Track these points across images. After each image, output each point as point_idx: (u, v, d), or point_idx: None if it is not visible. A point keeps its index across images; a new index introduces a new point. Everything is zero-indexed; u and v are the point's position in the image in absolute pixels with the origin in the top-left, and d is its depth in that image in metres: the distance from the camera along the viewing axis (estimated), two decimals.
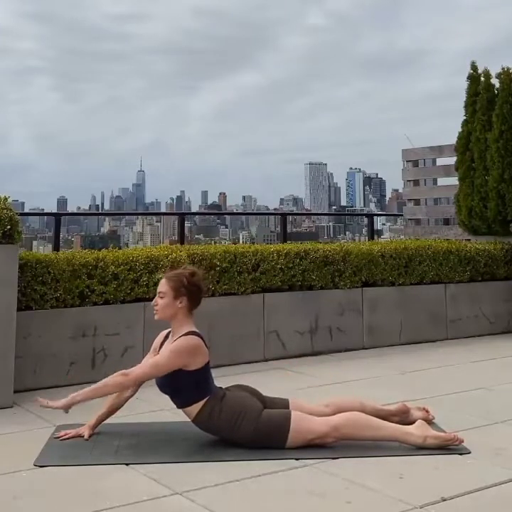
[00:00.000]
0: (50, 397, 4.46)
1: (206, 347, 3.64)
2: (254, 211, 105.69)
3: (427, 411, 3.87)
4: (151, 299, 5.29)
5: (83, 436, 3.62)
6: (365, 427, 3.47)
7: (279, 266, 5.90)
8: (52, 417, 3.99)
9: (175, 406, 3.67)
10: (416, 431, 3.48)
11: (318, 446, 3.45)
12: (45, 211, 30.40)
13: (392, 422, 3.63)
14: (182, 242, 8.23)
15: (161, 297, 3.70)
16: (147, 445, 3.55)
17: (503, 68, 7.84)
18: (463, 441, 3.46)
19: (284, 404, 3.66)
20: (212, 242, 24.99)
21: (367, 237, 11.05)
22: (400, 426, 3.56)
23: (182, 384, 3.56)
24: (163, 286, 3.72)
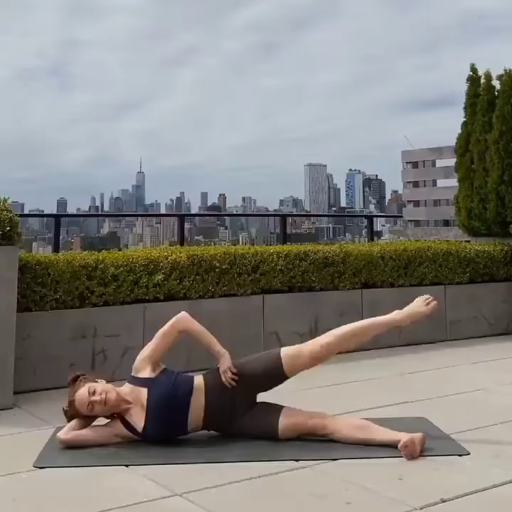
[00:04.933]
0: (50, 398, 4.48)
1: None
2: (254, 212, 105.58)
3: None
4: (151, 301, 5.32)
5: None
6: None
7: (278, 267, 5.90)
8: (51, 418, 3.99)
9: None
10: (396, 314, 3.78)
11: (317, 446, 3.45)
12: (45, 212, 30.38)
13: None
14: (182, 244, 8.24)
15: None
16: (147, 446, 3.54)
17: (505, 70, 7.84)
18: (435, 299, 3.75)
19: (277, 409, 3.67)
20: (212, 243, 24.99)
21: (367, 239, 11.05)
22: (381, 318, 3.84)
23: None
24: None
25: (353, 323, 3.82)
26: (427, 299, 3.80)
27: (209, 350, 3.74)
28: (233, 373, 3.60)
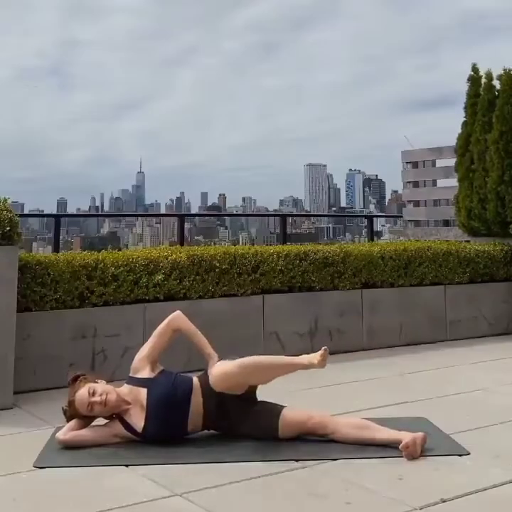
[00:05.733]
0: (50, 398, 4.48)
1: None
2: (254, 212, 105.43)
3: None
4: (151, 301, 5.31)
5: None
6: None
7: (278, 267, 5.90)
8: (51, 418, 3.99)
9: None
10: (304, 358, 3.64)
11: (317, 446, 3.46)
12: (45, 212, 30.34)
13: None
14: (182, 244, 8.24)
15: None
16: (146, 446, 3.54)
17: (504, 69, 7.83)
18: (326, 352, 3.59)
19: (277, 409, 3.66)
20: (212, 243, 25.00)
21: (367, 239, 11.05)
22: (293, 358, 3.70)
23: None
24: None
25: (272, 356, 3.80)
26: (323, 353, 3.62)
27: (200, 351, 3.76)
28: None
